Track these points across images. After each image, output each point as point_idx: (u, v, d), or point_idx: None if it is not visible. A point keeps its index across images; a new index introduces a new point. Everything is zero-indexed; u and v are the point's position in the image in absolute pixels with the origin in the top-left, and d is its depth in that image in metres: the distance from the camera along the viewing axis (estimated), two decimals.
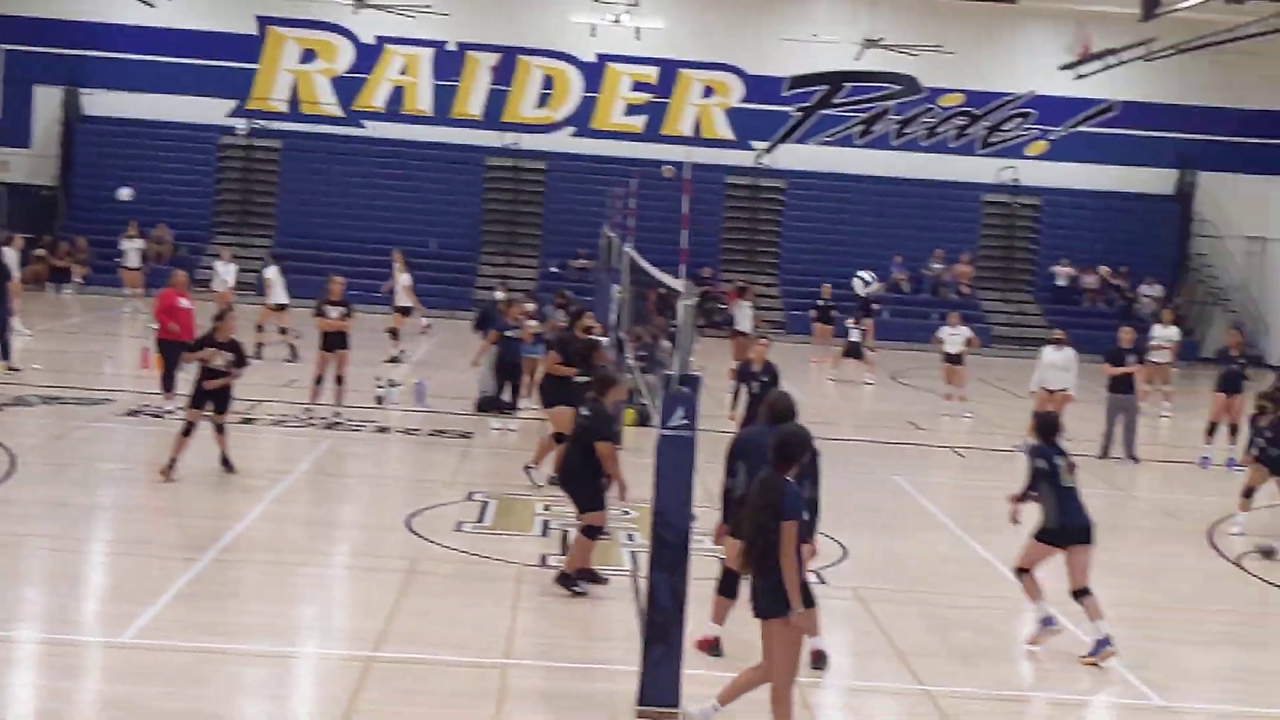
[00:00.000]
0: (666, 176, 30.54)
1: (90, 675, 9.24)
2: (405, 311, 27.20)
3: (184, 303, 18.84)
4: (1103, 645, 10.77)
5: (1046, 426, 11.38)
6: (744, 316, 27.51)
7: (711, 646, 10.31)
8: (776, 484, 8.19)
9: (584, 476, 11.92)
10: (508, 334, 20.27)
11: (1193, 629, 12.20)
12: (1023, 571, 11.21)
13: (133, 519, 13.51)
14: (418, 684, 9.28)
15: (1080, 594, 10.92)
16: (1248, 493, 15.85)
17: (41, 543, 12.39)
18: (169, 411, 18.26)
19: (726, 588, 10.33)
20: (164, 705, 8.58)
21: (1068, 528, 10.99)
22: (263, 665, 9.60)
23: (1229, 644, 11.71)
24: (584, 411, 12.13)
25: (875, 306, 30.25)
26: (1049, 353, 20.96)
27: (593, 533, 11.91)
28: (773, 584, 8.10)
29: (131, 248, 33.79)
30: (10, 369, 21.50)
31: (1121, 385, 20.47)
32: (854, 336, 28.17)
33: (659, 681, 8.91)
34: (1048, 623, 11.06)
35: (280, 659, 9.87)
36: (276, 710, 8.89)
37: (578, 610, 11.64)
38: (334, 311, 20.00)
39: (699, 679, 9.30)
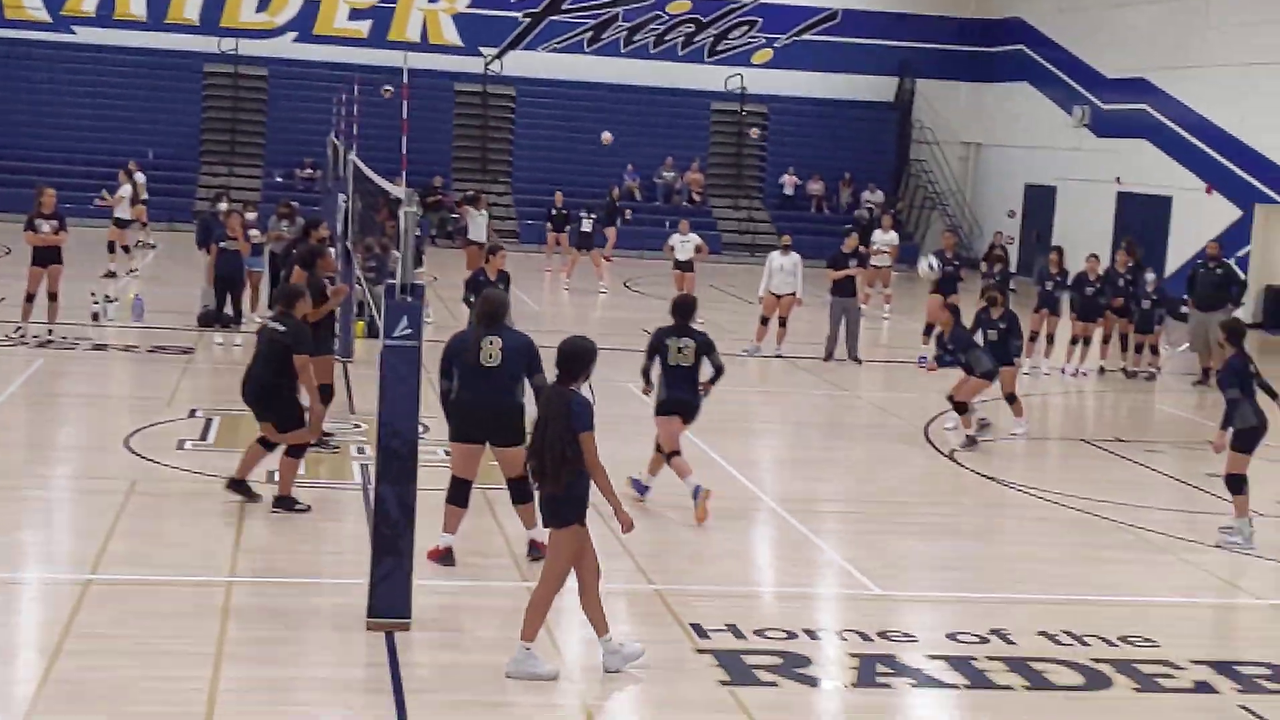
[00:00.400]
0: (385, 95, 30.04)
1: None
2: (122, 224, 26.14)
3: (45, 226, 17.78)
4: (698, 491, 11.97)
5: (678, 308, 12.63)
6: (477, 225, 27.34)
7: (443, 556, 10.34)
8: (567, 397, 8.23)
9: (280, 394, 11.58)
10: (224, 245, 19.69)
11: (910, 521, 12.73)
12: (672, 455, 12.23)
13: None
14: (139, 605, 9.05)
15: (671, 456, 12.20)
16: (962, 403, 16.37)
17: None
18: None
19: (457, 496, 10.38)
20: None
21: (668, 401, 12.33)
22: None
23: (944, 534, 12.27)
24: (276, 326, 11.67)
25: (628, 214, 30.35)
26: (776, 258, 21.50)
27: (298, 452, 11.68)
28: (564, 494, 8.19)
29: None
30: None
31: (843, 289, 21.17)
32: (585, 227, 28.35)
33: (389, 593, 8.88)
34: (696, 493, 12.01)
35: None
36: None
37: (307, 526, 11.50)
38: (46, 225, 19.06)
39: (429, 589, 9.31)
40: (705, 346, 12.50)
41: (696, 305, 12.93)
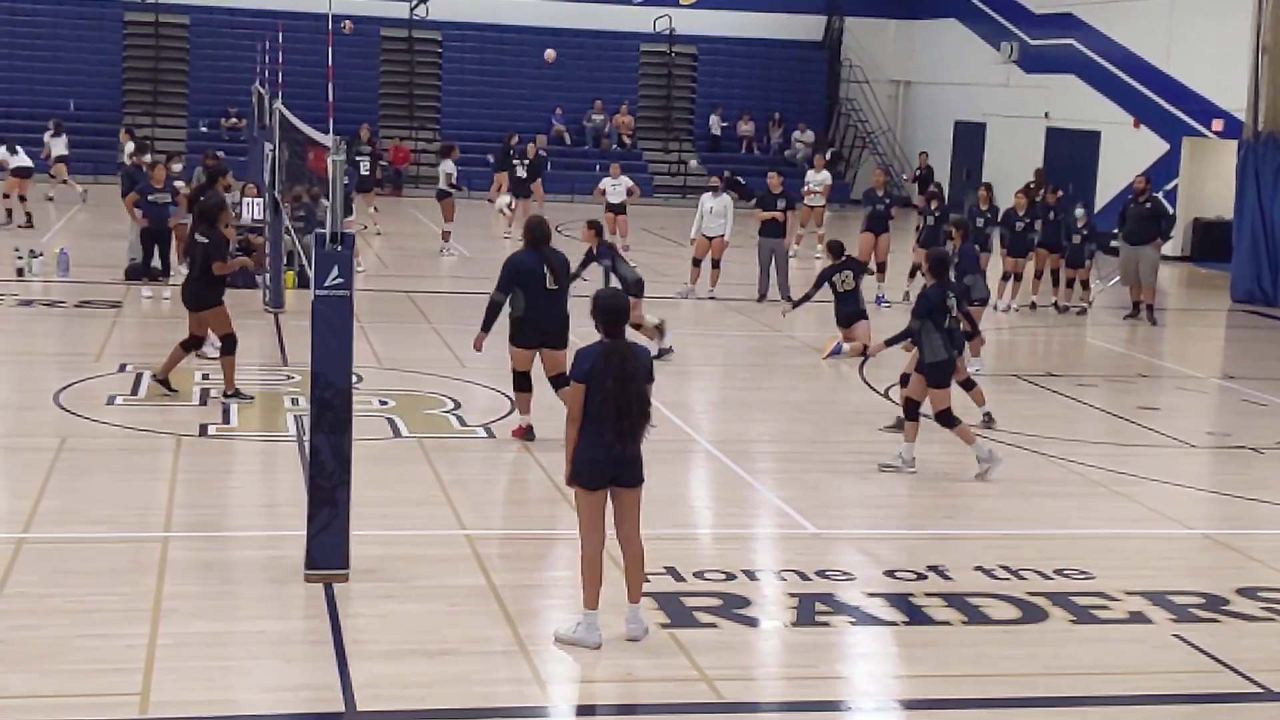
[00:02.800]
0: (346, 31, 29.59)
1: None
2: (24, 174, 25.48)
3: None
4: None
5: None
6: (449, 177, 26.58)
7: (526, 432, 12.52)
8: (638, 353, 8.20)
9: (209, 299, 13.41)
10: (151, 198, 19.39)
11: (844, 460, 12.79)
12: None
13: None
14: (72, 563, 8.96)
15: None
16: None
17: None
18: None
19: (523, 384, 12.49)
20: None
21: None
22: None
23: (878, 473, 12.32)
24: (201, 239, 13.51)
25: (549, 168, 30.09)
26: (707, 200, 21.51)
27: (231, 344, 13.42)
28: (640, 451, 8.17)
29: None
30: None
31: (770, 229, 21.18)
32: (520, 173, 28.04)
33: (326, 545, 8.83)
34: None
35: None
36: None
37: (241, 480, 11.44)
38: None
39: (365, 540, 9.27)
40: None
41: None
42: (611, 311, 8.17)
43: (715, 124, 39.54)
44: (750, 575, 9.44)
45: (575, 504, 8.24)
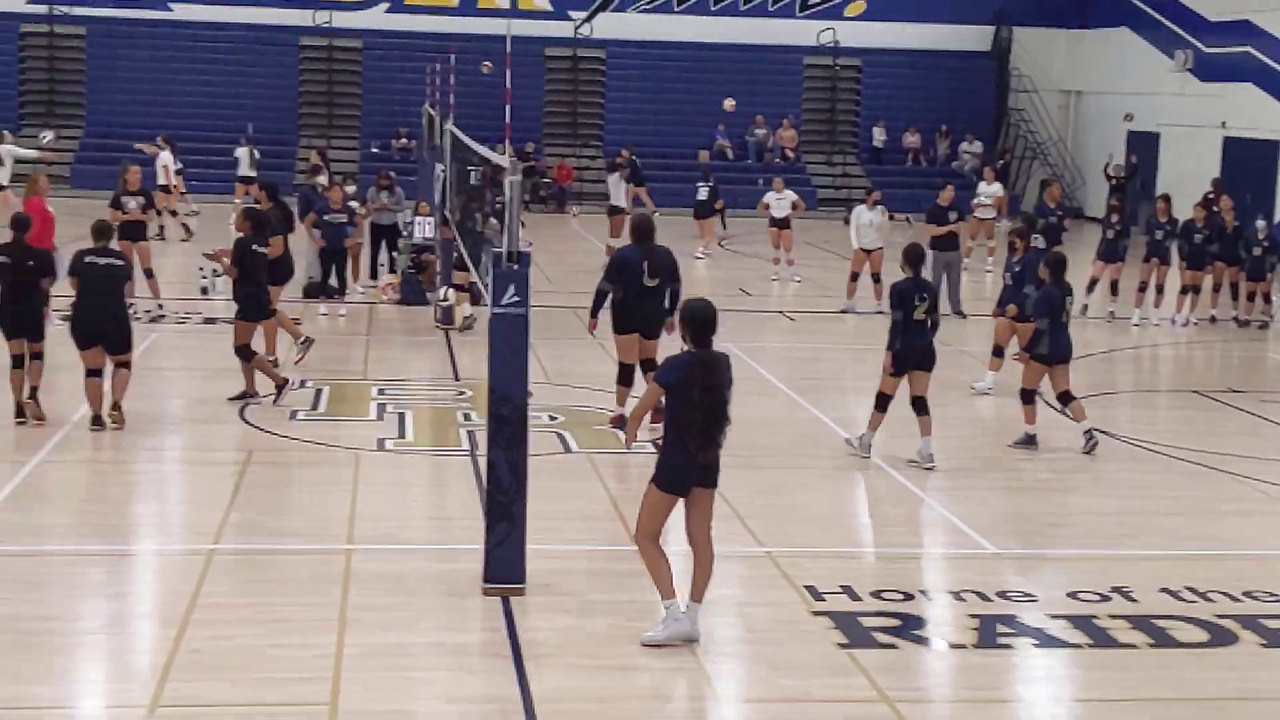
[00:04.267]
0: (485, 72, 30.03)
1: None
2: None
3: (50, 209, 18.08)
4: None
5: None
6: (619, 193, 26.74)
7: (618, 421, 13.21)
8: (726, 361, 8.39)
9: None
10: (327, 218, 19.81)
11: (1021, 477, 12.59)
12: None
13: None
14: (261, 574, 9.22)
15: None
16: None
17: None
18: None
19: (624, 376, 13.30)
20: (5, 611, 8.41)
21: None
22: (102, 565, 9.43)
23: (1056, 490, 12.13)
24: (259, 249, 14.39)
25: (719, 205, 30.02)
26: (863, 213, 21.42)
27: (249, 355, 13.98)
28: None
29: None
30: None
31: (943, 242, 20.92)
32: (702, 195, 28.05)
33: (503, 559, 8.96)
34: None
35: (119, 558, 9.72)
36: (120, 609, 8.75)
37: (418, 493, 11.65)
38: (132, 202, 19.30)
39: (541, 554, 9.36)
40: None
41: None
42: (703, 321, 8.25)
43: (879, 136, 39.24)
44: (928, 595, 9.34)
45: (647, 502, 8.30)
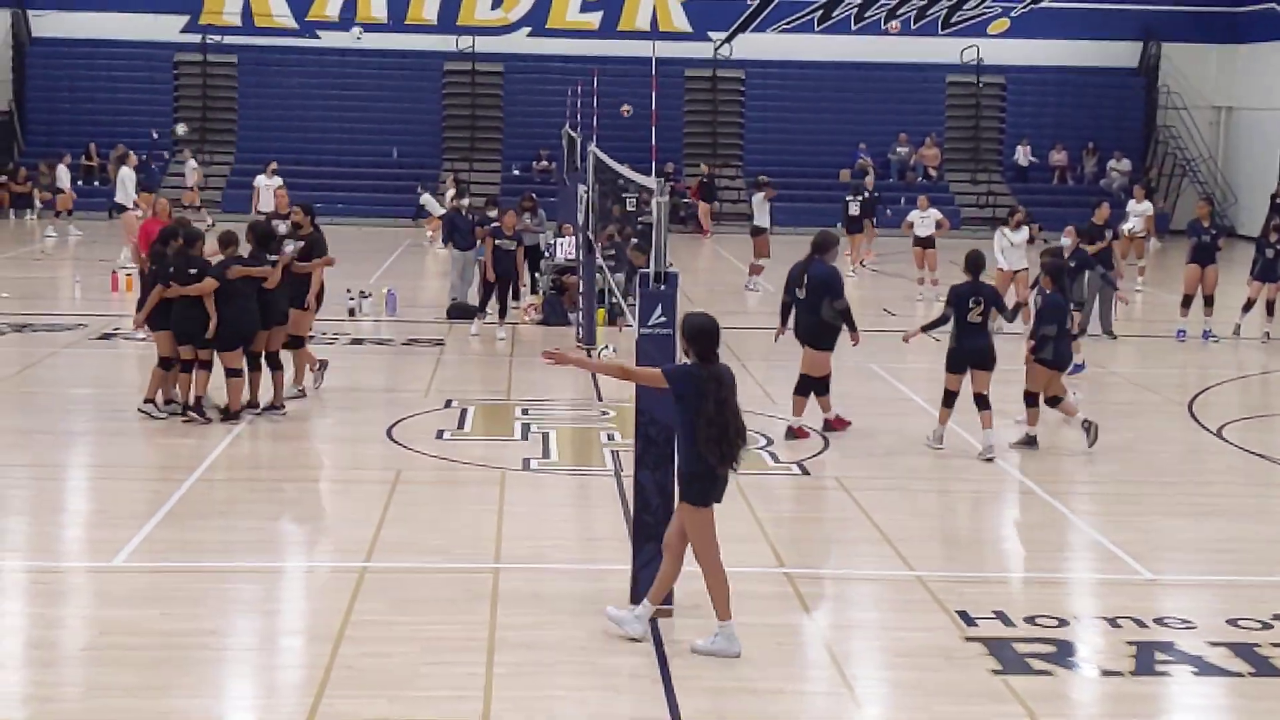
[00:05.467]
0: (626, 115, 30.23)
1: (85, 600, 9.22)
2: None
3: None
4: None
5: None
6: (763, 213, 26.71)
7: (793, 431, 13.84)
8: (725, 370, 8.48)
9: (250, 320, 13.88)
10: (499, 244, 19.84)
11: (1176, 501, 12.29)
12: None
13: (114, 443, 13.43)
14: (412, 592, 9.30)
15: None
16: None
17: (24, 472, 12.32)
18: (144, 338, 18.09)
19: (803, 388, 13.82)
20: (162, 626, 8.59)
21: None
22: (257, 581, 9.60)
23: (1214, 514, 11.81)
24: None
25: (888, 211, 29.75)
26: (1006, 233, 21.17)
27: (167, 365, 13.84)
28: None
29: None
30: None
31: (1099, 262, 20.45)
32: (853, 211, 27.82)
33: (651, 579, 8.92)
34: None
35: (274, 574, 9.89)
36: (276, 625, 8.90)
37: (564, 513, 11.69)
38: (281, 225, 19.65)
39: (688, 575, 9.31)
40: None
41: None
42: (709, 334, 8.35)
43: (1024, 155, 38.71)
44: (1084, 621, 9.13)
45: (692, 525, 8.34)
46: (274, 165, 30.91)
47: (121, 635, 8.44)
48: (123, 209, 25.83)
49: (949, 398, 13.53)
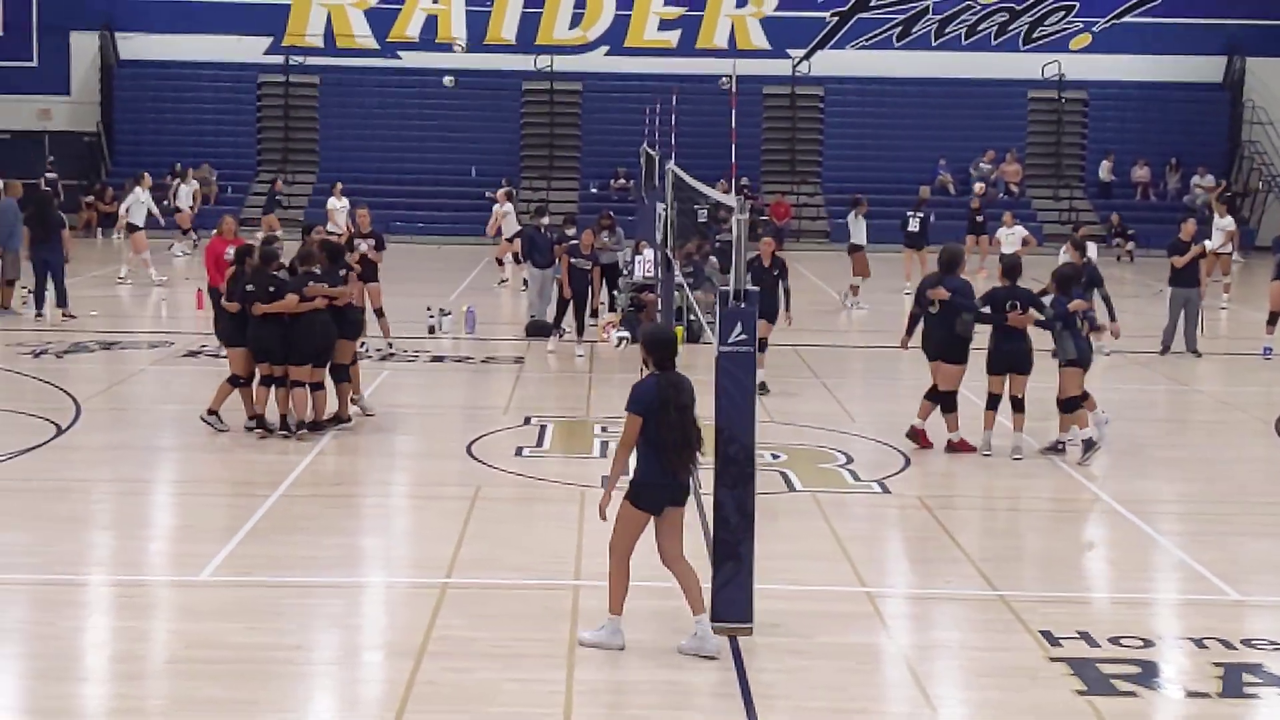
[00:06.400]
0: (724, 86, 30.21)
1: (171, 614, 9.35)
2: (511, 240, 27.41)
3: (231, 250, 18.72)
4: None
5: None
6: (860, 230, 26.58)
7: (919, 435, 14.01)
8: (685, 379, 8.75)
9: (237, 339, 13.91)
10: (575, 262, 19.93)
11: (1263, 521, 12.10)
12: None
13: (199, 459, 13.63)
14: (492, 608, 9.35)
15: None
16: None
17: (110, 487, 12.52)
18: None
19: (934, 395, 13.94)
20: (247, 640, 8.69)
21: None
22: (340, 596, 9.69)
23: None
24: (250, 286, 13.89)
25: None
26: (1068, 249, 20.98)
27: (236, 382, 14.00)
28: None
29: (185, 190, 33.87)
30: (67, 315, 21.68)
31: (1185, 278, 20.20)
32: (913, 227, 27.60)
33: (730, 598, 8.92)
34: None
35: (356, 589, 9.98)
36: (358, 640, 8.98)
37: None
38: (363, 244, 19.85)
39: (767, 594, 9.30)
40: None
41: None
42: (664, 344, 8.71)
43: (1107, 170, 38.33)
44: (1169, 642, 9.01)
45: (619, 520, 8.61)
46: (340, 186, 31.24)
47: (206, 649, 8.55)
48: (135, 228, 26.60)
49: (992, 401, 13.85)
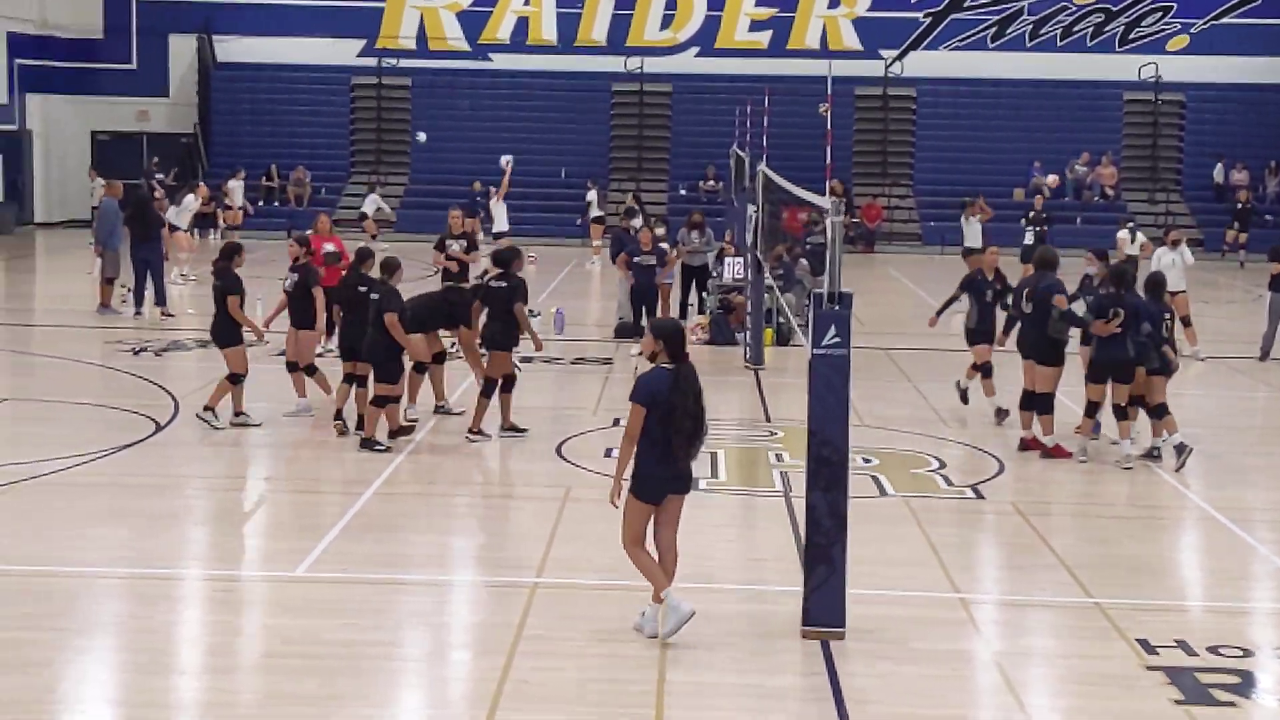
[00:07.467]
0: (822, 112, 30.03)
1: (266, 610, 9.45)
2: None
3: (328, 247, 18.92)
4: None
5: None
6: (974, 233, 26.28)
7: (1030, 443, 13.86)
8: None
9: (381, 350, 13.51)
10: (637, 259, 20.05)
11: None
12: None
13: (294, 456, 13.78)
14: (582, 609, 9.36)
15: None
16: None
17: (208, 483, 12.69)
18: (320, 353, 18.50)
19: (1028, 403, 13.89)
20: (340, 636, 8.77)
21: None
22: (433, 594, 9.76)
23: None
24: (373, 293, 13.81)
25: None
26: (1164, 254, 20.66)
27: (382, 402, 13.55)
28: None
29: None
30: (165, 314, 22.02)
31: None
32: (1028, 240, 27.17)
33: (823, 602, 8.87)
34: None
35: (448, 588, 10.04)
36: (449, 637, 9.04)
37: (731, 533, 11.66)
38: (455, 245, 19.96)
39: (860, 599, 9.24)
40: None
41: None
42: (676, 335, 8.89)
43: (1220, 172, 37.65)
44: (1269, 652, 8.83)
45: (625, 513, 8.74)
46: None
47: (300, 644, 8.63)
48: (175, 229, 27.08)
49: (1091, 408, 13.70)
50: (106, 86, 39.29)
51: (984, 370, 15.37)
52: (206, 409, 14.42)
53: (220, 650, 8.72)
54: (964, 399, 15.66)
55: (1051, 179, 35.85)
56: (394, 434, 13.86)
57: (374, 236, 32.15)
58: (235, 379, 14.44)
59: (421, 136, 33.37)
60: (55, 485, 12.25)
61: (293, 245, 15.80)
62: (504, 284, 14.13)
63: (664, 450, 8.67)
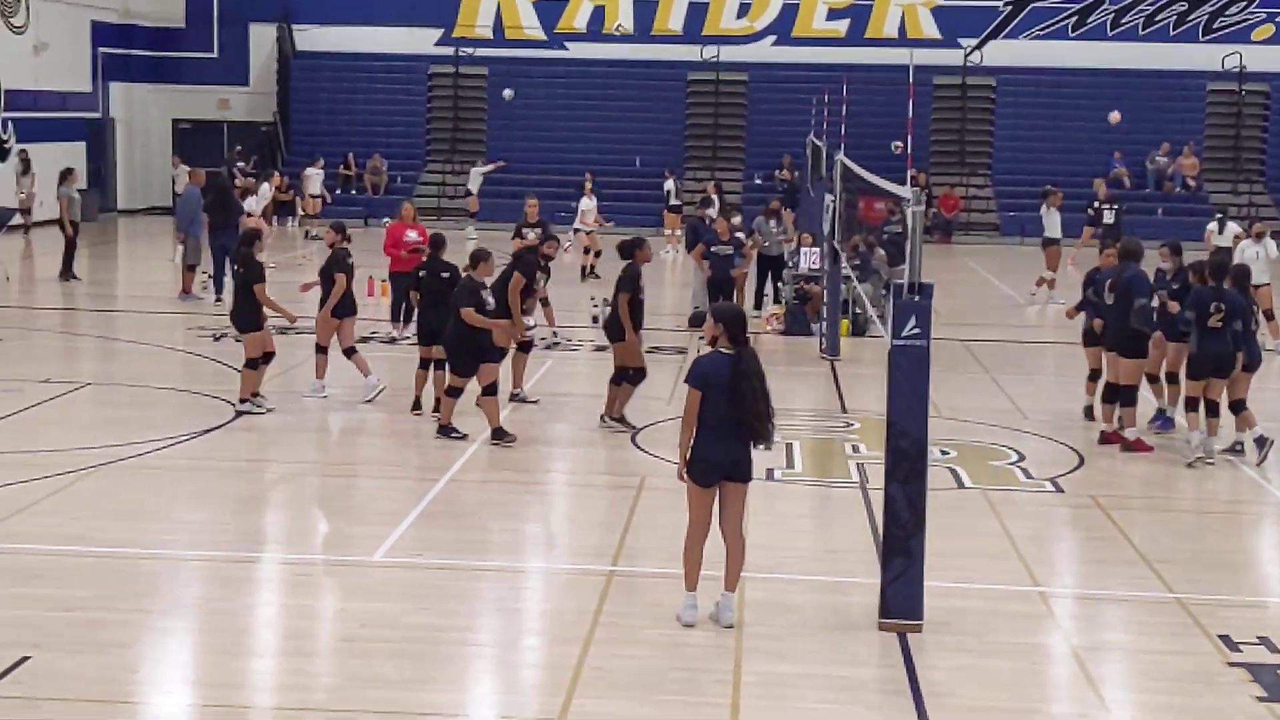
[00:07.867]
0: (896, 151, 29.84)
1: (344, 594, 9.52)
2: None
3: (411, 234, 19.05)
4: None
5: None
6: (1054, 224, 26.01)
7: (1111, 437, 13.77)
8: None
9: (461, 343, 13.40)
10: (714, 249, 20.01)
11: None
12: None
13: (371, 443, 13.89)
14: (658, 596, 9.35)
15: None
16: None
17: (284, 469, 12.82)
18: (396, 339, 18.64)
19: (1111, 396, 13.82)
20: (418, 620, 8.84)
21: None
22: (509, 581, 9.81)
23: None
24: (239, 268, 14.31)
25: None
26: (1248, 247, 20.30)
27: (455, 392, 13.62)
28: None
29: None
30: None
31: None
32: (1108, 219, 26.68)
33: (900, 594, 8.82)
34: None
35: (524, 574, 10.08)
36: (525, 624, 9.07)
37: (807, 524, 11.64)
38: (530, 234, 20.07)
39: (938, 591, 9.17)
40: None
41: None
42: (738, 319, 8.86)
43: None
44: None
45: (688, 499, 8.81)
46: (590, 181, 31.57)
47: (377, 628, 8.70)
48: (249, 216, 27.52)
49: (1191, 404, 13.41)
50: (188, 75, 39.74)
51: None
52: (243, 400, 14.56)
53: (298, 633, 8.80)
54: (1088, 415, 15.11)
55: (1116, 172, 35.28)
56: (496, 435, 13.51)
57: (473, 214, 32.41)
58: (252, 364, 14.56)
59: (508, 93, 33.49)
60: (138, 469, 12.42)
61: (329, 232, 15.93)
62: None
63: (715, 434, 8.70)
